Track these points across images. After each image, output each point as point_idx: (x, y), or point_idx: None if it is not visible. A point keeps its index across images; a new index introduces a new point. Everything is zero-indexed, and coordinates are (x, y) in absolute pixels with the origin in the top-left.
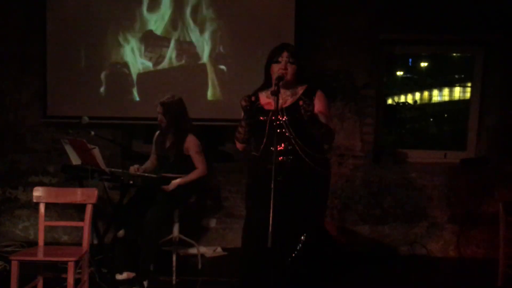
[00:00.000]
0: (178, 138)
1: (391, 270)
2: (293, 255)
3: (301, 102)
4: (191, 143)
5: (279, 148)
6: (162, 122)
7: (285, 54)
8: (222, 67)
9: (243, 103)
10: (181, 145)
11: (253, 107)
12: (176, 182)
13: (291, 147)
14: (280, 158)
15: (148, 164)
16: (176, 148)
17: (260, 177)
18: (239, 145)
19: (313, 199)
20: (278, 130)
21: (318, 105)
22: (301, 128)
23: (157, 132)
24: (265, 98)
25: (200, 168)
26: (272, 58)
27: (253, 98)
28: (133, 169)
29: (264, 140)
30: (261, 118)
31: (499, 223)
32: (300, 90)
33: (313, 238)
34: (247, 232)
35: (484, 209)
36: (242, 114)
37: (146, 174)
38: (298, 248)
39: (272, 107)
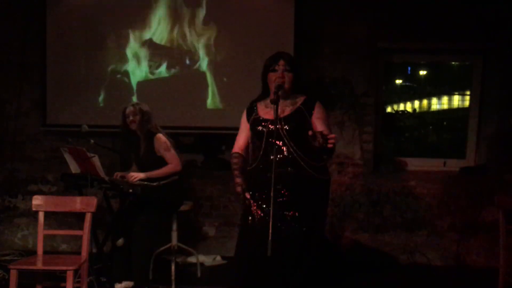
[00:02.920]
0: (149, 141)
1: (391, 278)
2: (295, 264)
3: (320, 139)
4: (159, 142)
5: (278, 157)
6: (132, 124)
7: (281, 62)
8: (222, 76)
9: (241, 196)
10: (152, 146)
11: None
12: (140, 175)
13: (290, 156)
14: (280, 169)
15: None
16: (150, 151)
17: (259, 187)
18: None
19: (314, 208)
20: (276, 140)
21: (319, 117)
22: (300, 137)
23: (125, 147)
24: (263, 108)
25: (173, 164)
26: (269, 67)
27: (247, 196)
28: (115, 176)
29: (262, 150)
30: (259, 128)
31: (499, 231)
32: (299, 100)
33: (316, 247)
34: (244, 242)
35: (484, 217)
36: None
37: (146, 183)
38: (300, 257)
39: (270, 117)
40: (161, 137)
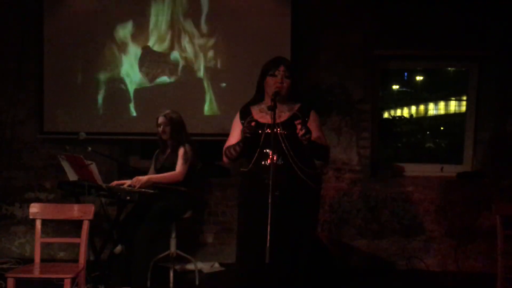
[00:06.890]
0: (175, 148)
1: (389, 284)
2: (290, 270)
3: (299, 127)
4: (181, 151)
5: (275, 162)
6: (163, 134)
7: (282, 68)
8: (219, 82)
9: (247, 131)
10: (175, 156)
11: (253, 134)
12: (144, 178)
13: (285, 161)
14: (275, 175)
15: None
16: (172, 158)
17: (254, 192)
18: (226, 161)
19: (305, 214)
20: (274, 145)
21: (313, 126)
22: (296, 142)
23: (157, 150)
24: (258, 112)
25: (176, 172)
26: (268, 71)
27: (253, 124)
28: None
29: (257, 154)
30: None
31: (496, 236)
32: (296, 107)
33: (308, 252)
34: (243, 248)
35: (481, 222)
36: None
37: (143, 190)
38: (294, 263)
39: (266, 121)
40: (185, 148)
